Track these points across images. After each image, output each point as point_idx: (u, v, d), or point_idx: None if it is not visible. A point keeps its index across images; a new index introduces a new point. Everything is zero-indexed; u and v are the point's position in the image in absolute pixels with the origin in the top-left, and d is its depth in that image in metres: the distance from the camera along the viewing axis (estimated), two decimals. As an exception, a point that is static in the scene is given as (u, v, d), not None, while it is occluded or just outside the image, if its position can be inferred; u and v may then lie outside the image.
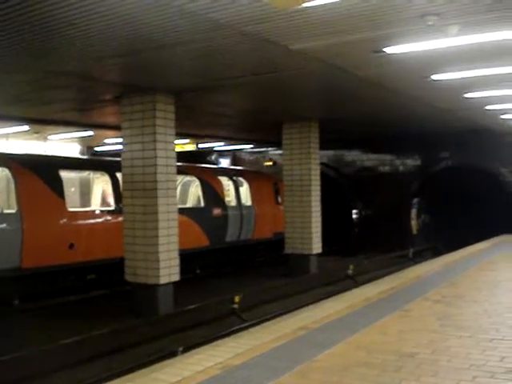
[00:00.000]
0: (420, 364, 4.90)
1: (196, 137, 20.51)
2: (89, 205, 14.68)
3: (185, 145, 23.09)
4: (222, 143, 23.10)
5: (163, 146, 10.72)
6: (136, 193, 10.86)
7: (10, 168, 11.90)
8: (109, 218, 13.53)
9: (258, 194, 18.80)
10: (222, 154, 25.55)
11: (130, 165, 10.94)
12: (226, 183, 17.97)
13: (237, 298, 10.64)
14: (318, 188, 15.82)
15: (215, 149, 24.85)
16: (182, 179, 16.11)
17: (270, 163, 24.41)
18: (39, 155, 15.64)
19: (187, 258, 13.49)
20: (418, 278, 10.00)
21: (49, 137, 19.75)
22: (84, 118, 14.84)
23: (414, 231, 22.03)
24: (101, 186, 14.90)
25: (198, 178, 16.61)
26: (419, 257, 18.49)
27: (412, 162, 21.42)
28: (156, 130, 10.59)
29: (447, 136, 19.18)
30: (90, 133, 17.68)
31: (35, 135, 18.61)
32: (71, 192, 14.41)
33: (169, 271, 10.76)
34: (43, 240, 11.76)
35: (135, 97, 10.77)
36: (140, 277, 10.80)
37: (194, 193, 16.97)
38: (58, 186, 12.49)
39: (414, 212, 21.93)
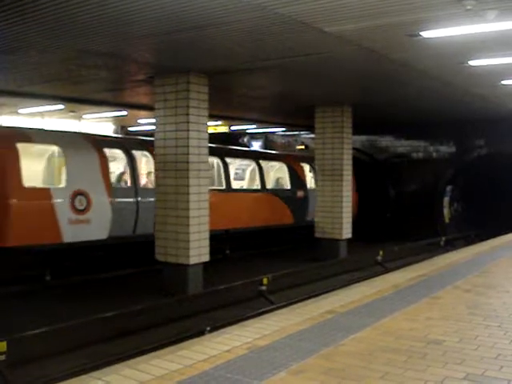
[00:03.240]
0: (446, 352, 4.88)
1: (229, 119, 20.57)
2: None
3: (217, 127, 23.14)
4: (254, 126, 23.09)
5: (196, 127, 10.76)
6: (168, 173, 10.95)
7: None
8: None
9: None
10: (254, 136, 25.57)
11: (163, 145, 11.02)
12: (307, 168, 19.24)
13: (265, 280, 10.66)
14: (350, 173, 15.77)
15: (247, 131, 24.89)
16: (270, 165, 18.34)
17: (302, 147, 24.34)
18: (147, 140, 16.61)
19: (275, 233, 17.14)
20: (449, 266, 9.91)
21: (83, 116, 20.00)
22: (118, 98, 15.01)
23: (447, 220, 21.78)
24: None
25: (286, 164, 18.40)
26: (451, 245, 18.30)
27: (446, 149, 21.07)
28: (189, 111, 10.63)
29: (482, 123, 18.84)
30: (124, 113, 17.87)
31: (70, 114, 18.87)
32: None
33: (199, 251, 10.85)
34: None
35: (169, 77, 10.81)
36: (170, 256, 10.92)
37: (283, 177, 18.43)
38: None
39: (446, 200, 21.66)
